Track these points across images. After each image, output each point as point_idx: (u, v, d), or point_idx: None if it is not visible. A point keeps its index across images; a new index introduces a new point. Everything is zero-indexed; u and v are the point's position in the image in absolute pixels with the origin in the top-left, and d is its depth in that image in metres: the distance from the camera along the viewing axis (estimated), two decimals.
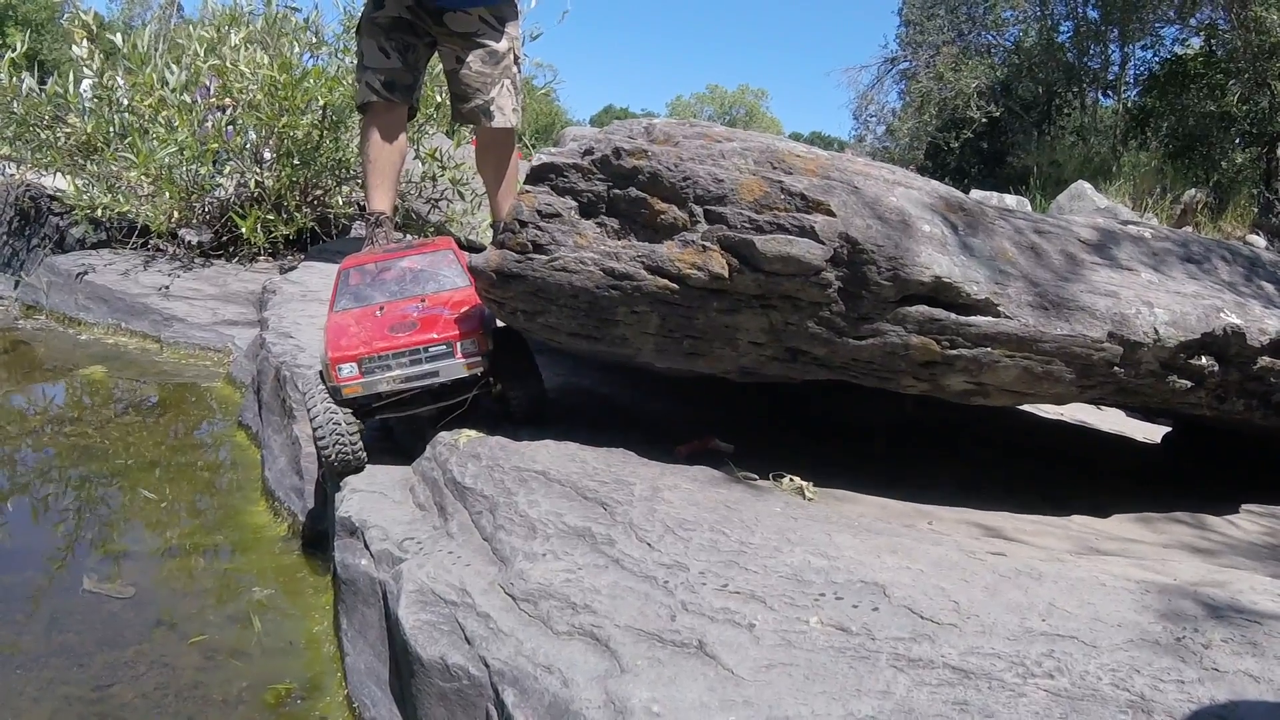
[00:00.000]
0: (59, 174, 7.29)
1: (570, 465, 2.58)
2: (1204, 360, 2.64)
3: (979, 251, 2.43)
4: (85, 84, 7.12)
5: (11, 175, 7.73)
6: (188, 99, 6.84)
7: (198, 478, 4.01)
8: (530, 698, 1.71)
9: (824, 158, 2.48)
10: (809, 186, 2.32)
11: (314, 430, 2.78)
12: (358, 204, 7.42)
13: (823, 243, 2.26)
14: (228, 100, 6.81)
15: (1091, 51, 22.51)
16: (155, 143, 6.58)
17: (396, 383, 2.78)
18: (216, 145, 6.67)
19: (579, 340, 2.71)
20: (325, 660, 2.62)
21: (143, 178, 6.63)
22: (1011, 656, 1.72)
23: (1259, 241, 12.64)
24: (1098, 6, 21.60)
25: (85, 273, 6.62)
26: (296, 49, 7.36)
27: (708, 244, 2.37)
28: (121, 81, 7.04)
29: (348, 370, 2.76)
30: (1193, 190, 16.38)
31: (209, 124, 6.78)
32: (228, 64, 6.84)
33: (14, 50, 6.95)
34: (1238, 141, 19.09)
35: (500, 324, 2.91)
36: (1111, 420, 4.62)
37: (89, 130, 6.95)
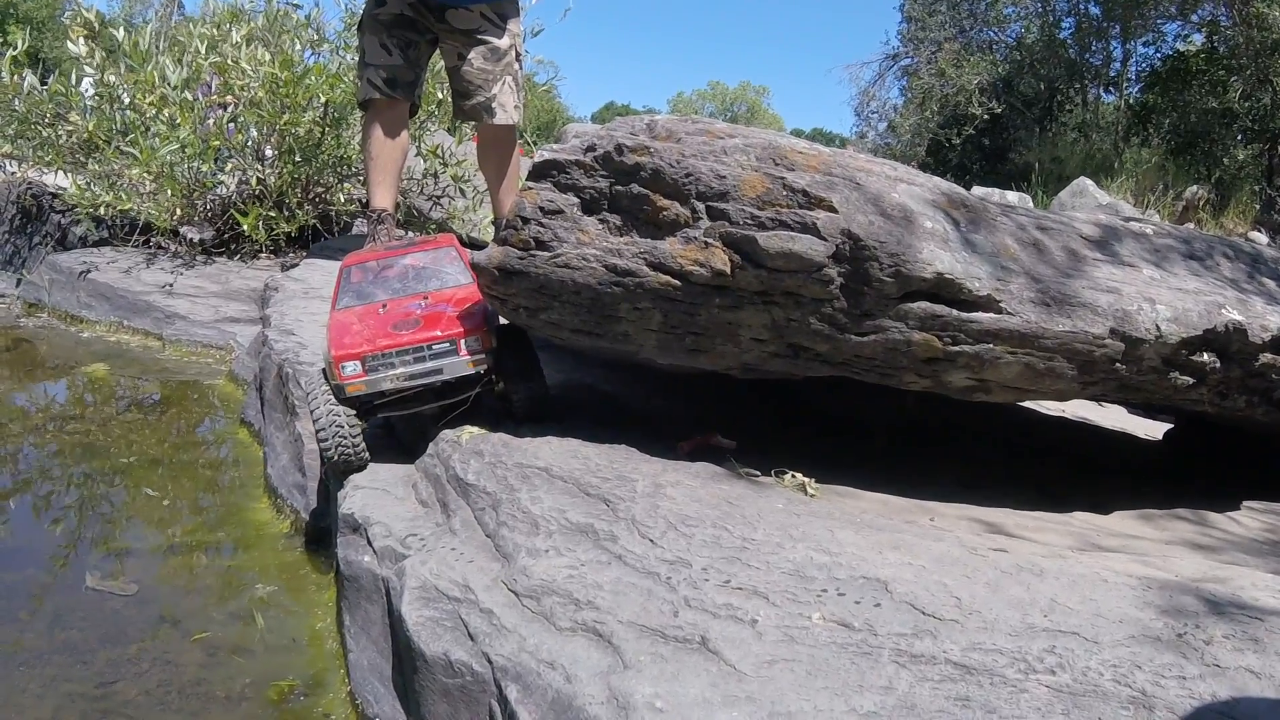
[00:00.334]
0: (61, 172, 7.30)
1: (573, 462, 2.58)
2: (1206, 357, 2.64)
3: (981, 248, 2.43)
4: (86, 82, 7.12)
5: (13, 173, 7.73)
6: (189, 96, 6.83)
7: (200, 475, 4.01)
8: (533, 693, 1.72)
9: (826, 154, 2.48)
10: (811, 183, 2.32)
11: (316, 429, 2.78)
12: (359, 201, 7.42)
13: (825, 239, 2.27)
14: (229, 97, 6.81)
15: (1093, 48, 22.49)
16: (157, 140, 6.57)
17: (400, 380, 2.78)
18: (218, 143, 6.67)
19: (581, 337, 2.71)
20: (328, 657, 2.63)
21: (144, 175, 6.62)
22: (1013, 652, 1.72)
23: (1261, 238, 12.62)
24: (1099, 3, 21.56)
25: (87, 270, 6.62)
26: (298, 46, 7.36)
27: (710, 240, 2.37)
28: (115, 79, 7.03)
29: (351, 368, 2.75)
30: (1194, 187, 16.38)
31: (210, 121, 6.78)
32: (229, 61, 6.84)
33: (15, 48, 6.95)
34: (1240, 138, 19.06)
35: (503, 321, 2.90)
36: (1113, 417, 4.62)
37: (90, 128, 6.95)
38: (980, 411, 3.53)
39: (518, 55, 4.74)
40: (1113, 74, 22.43)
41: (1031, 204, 12.57)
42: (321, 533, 3.22)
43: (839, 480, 2.71)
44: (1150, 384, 2.67)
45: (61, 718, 2.29)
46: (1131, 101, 21.85)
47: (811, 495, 2.55)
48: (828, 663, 1.69)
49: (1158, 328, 2.49)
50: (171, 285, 6.42)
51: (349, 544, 2.56)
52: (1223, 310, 2.61)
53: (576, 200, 2.58)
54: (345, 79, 6.83)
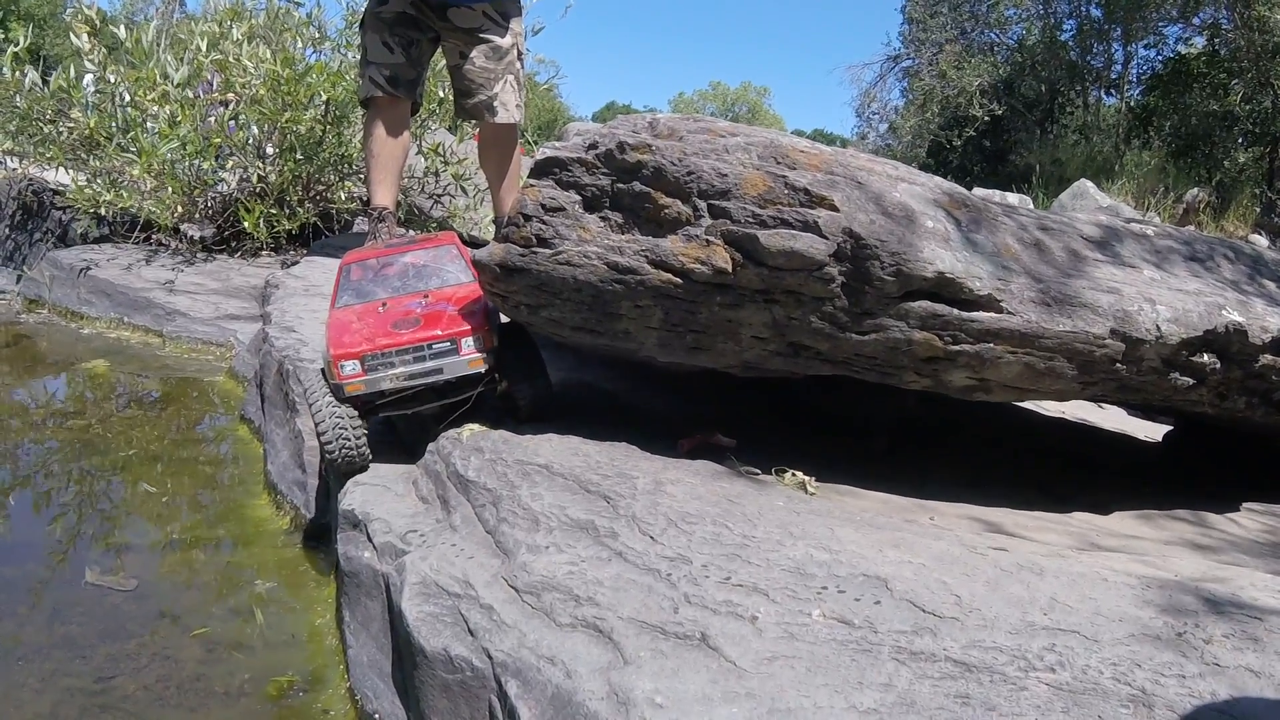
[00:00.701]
0: (61, 169, 7.28)
1: (573, 459, 2.58)
2: (1206, 358, 2.65)
3: (982, 247, 2.43)
4: (88, 79, 7.11)
5: (14, 170, 7.71)
6: (190, 94, 6.83)
7: (200, 472, 4.01)
8: (533, 689, 1.72)
9: (828, 153, 2.48)
10: (813, 182, 2.32)
11: (318, 430, 2.75)
12: (360, 199, 7.42)
13: (826, 238, 2.27)
14: (230, 95, 6.81)
15: (1094, 50, 22.52)
16: (157, 137, 6.57)
17: (399, 380, 2.75)
18: (219, 140, 6.67)
19: (582, 334, 2.71)
20: (327, 653, 2.63)
21: (145, 173, 6.62)
22: (1013, 650, 1.72)
23: (1261, 241, 12.64)
24: (1101, 5, 21.61)
25: (87, 267, 6.61)
26: (299, 44, 7.36)
27: (711, 238, 2.37)
28: (115, 78, 7.02)
29: (350, 368, 2.73)
30: (1195, 190, 16.40)
31: (212, 119, 6.77)
32: (230, 59, 6.84)
33: (17, 45, 6.95)
34: (1240, 141, 19.10)
35: (506, 320, 2.90)
36: (1112, 419, 4.62)
37: (91, 125, 6.95)
38: (980, 412, 3.54)
39: (519, 54, 4.74)
40: (1114, 76, 22.47)
41: (1032, 206, 12.55)
42: (321, 529, 3.22)
43: (839, 479, 2.71)
44: (1150, 385, 2.68)
45: (60, 712, 2.29)
46: (1132, 104, 21.88)
47: (811, 493, 2.55)
48: (828, 659, 1.69)
49: (1158, 328, 2.49)
50: (172, 282, 6.42)
51: (349, 540, 2.56)
52: (1223, 311, 2.61)
53: (578, 198, 2.58)
54: (346, 77, 6.83)
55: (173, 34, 7.68)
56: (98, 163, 7.06)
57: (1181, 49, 20.76)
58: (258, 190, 6.89)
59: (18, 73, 6.98)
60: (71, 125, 7.02)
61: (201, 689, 2.43)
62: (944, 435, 3.54)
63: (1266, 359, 2.70)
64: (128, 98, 7.03)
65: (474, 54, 4.57)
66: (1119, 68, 22.41)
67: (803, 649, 1.72)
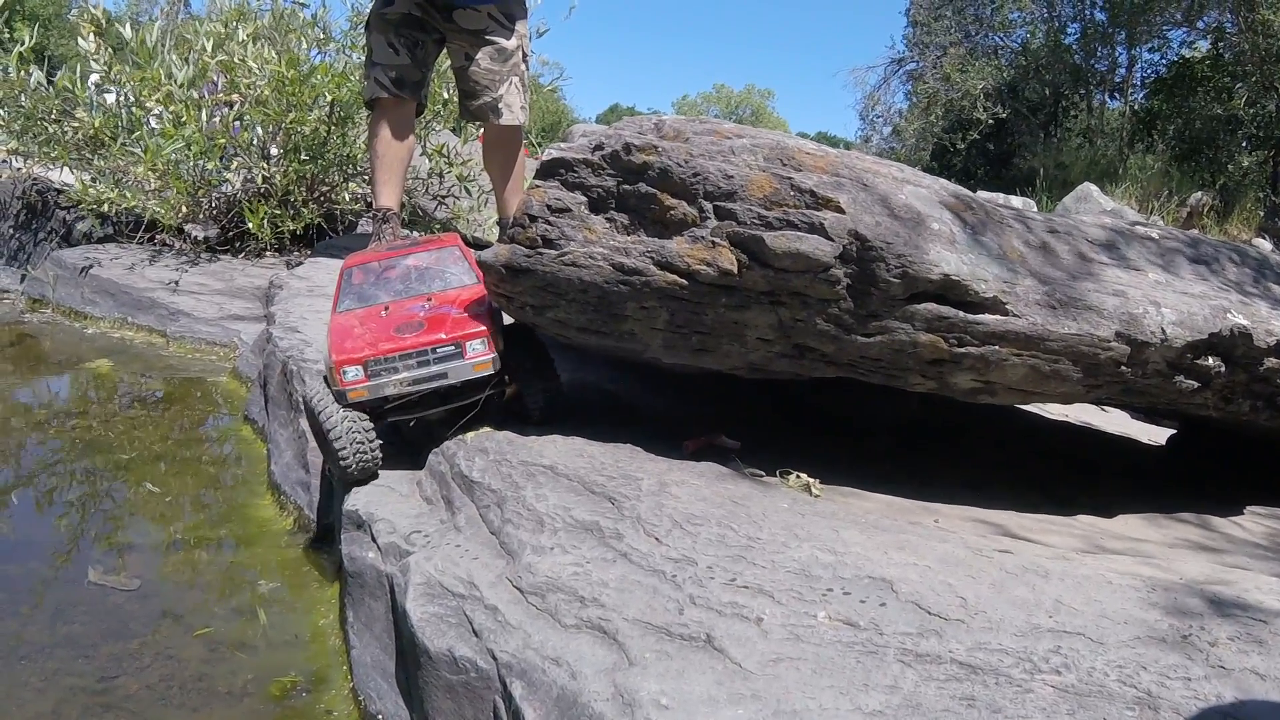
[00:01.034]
0: (66, 168, 7.29)
1: (578, 460, 2.58)
2: (1211, 361, 2.65)
3: (988, 249, 2.43)
4: (92, 78, 7.12)
5: (18, 169, 7.72)
6: (195, 94, 6.84)
7: (203, 472, 4.01)
8: (538, 690, 1.72)
9: (833, 155, 2.48)
10: (819, 183, 2.32)
11: (332, 439, 2.66)
12: (365, 200, 7.42)
13: (832, 239, 2.27)
14: (235, 95, 6.81)
15: (1099, 54, 22.53)
16: (160, 138, 6.58)
17: (404, 385, 2.70)
18: (224, 141, 6.67)
19: (588, 335, 2.71)
20: (331, 653, 2.63)
21: (149, 173, 6.63)
22: (1019, 652, 1.72)
23: (1265, 245, 12.63)
24: (1105, 9, 21.62)
25: (91, 267, 6.62)
26: (304, 45, 7.36)
27: (717, 240, 2.37)
28: (122, 78, 7.03)
29: (353, 373, 2.67)
30: (1199, 193, 16.40)
31: (216, 119, 6.78)
32: (235, 59, 6.85)
33: (22, 44, 6.95)
34: (1244, 145, 19.10)
35: (513, 322, 2.88)
36: (1116, 422, 4.62)
37: (96, 125, 6.95)
38: (983, 414, 3.54)
39: (525, 56, 4.73)
40: (1118, 80, 22.48)
41: (1036, 209, 12.57)
42: (325, 530, 3.22)
43: (843, 481, 2.71)
44: (1155, 388, 2.68)
45: (63, 711, 2.29)
46: (1136, 107, 21.89)
47: (816, 495, 2.55)
48: (833, 661, 1.69)
49: (1163, 331, 2.49)
50: (176, 282, 6.42)
51: (353, 540, 2.55)
52: (1228, 314, 2.61)
53: (584, 199, 2.58)
54: (351, 78, 6.84)
55: (177, 34, 7.69)
56: (102, 162, 7.07)
57: (1186, 52, 20.77)
58: (262, 191, 6.89)
59: (23, 72, 6.99)
60: (76, 125, 7.03)
61: (204, 689, 2.42)
62: (947, 438, 3.54)
63: (1271, 362, 2.70)
64: (132, 98, 7.04)
65: (479, 56, 4.57)
66: (1123, 71, 22.44)
67: (808, 651, 1.72)
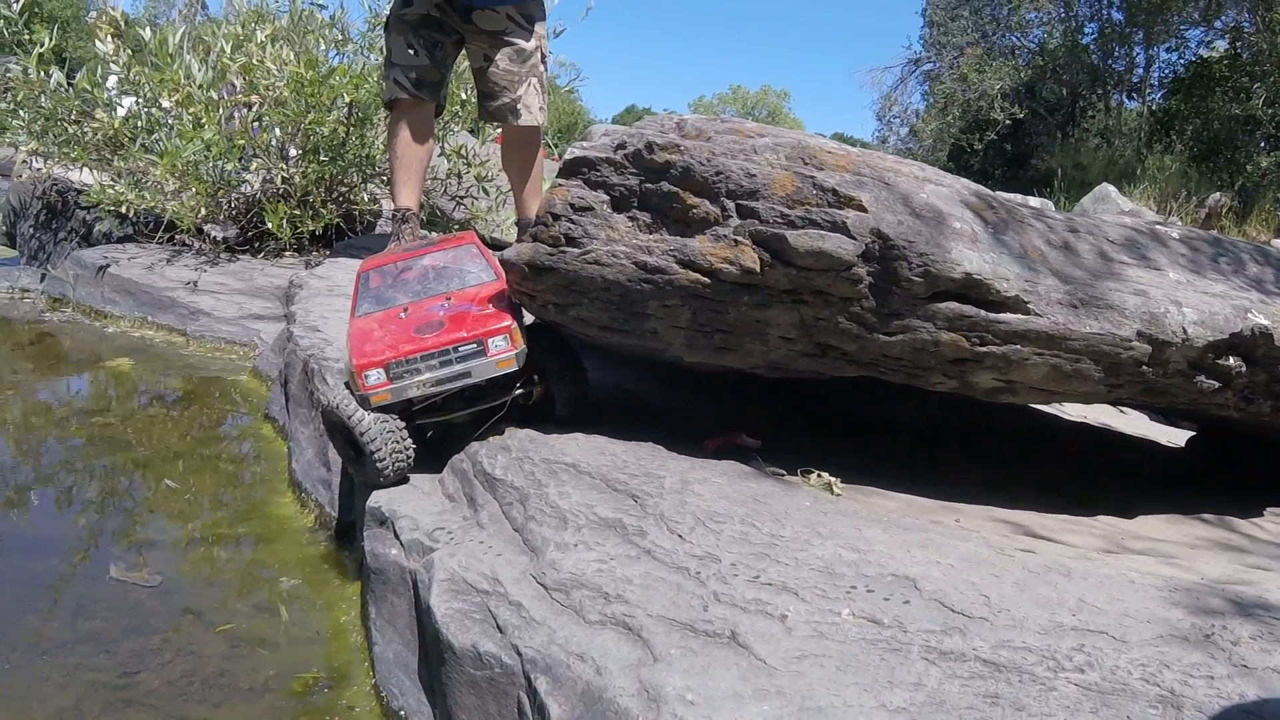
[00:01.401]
0: (86, 169, 7.32)
1: (600, 458, 2.59)
2: (1231, 361, 2.64)
3: (1010, 248, 2.43)
4: (111, 80, 7.15)
5: (39, 170, 7.75)
6: (214, 95, 6.87)
7: (223, 470, 4.03)
8: (563, 685, 1.73)
9: (855, 154, 2.48)
10: (841, 182, 2.33)
11: (365, 442, 2.62)
12: (383, 201, 7.46)
13: (854, 238, 2.27)
14: (254, 97, 6.84)
15: (1116, 53, 22.42)
16: (178, 138, 6.60)
17: (427, 387, 2.67)
18: (243, 141, 6.70)
19: (610, 334, 2.72)
20: (352, 650, 2.64)
21: (168, 174, 6.65)
22: (1042, 650, 1.72)
23: None
24: (1122, 8, 21.54)
25: (111, 266, 6.65)
26: (322, 46, 7.38)
27: (739, 238, 2.38)
28: (134, 78, 7.06)
29: (374, 376, 2.64)
30: (1217, 194, 16.32)
31: (235, 120, 6.81)
32: (254, 61, 6.87)
33: (41, 46, 6.98)
34: (1263, 145, 18.99)
35: (539, 322, 2.87)
36: (1135, 424, 4.61)
37: (116, 126, 6.98)
38: (1003, 416, 3.54)
39: (543, 57, 4.75)
40: (1135, 80, 22.38)
41: (1054, 210, 12.54)
42: (346, 527, 3.23)
43: (864, 480, 2.72)
44: (1176, 388, 2.67)
45: (84, 706, 2.30)
46: (1154, 108, 21.79)
47: (838, 494, 2.56)
48: (857, 658, 1.69)
49: (1184, 330, 2.49)
50: (195, 282, 6.45)
51: (375, 537, 2.57)
52: (1249, 314, 2.60)
53: (606, 197, 2.59)
54: (369, 79, 6.86)
55: (195, 36, 7.72)
56: (121, 163, 7.10)
57: (1203, 52, 20.67)
58: (281, 191, 6.91)
59: (43, 73, 7.02)
60: (96, 125, 7.06)
61: (225, 685, 2.43)
62: (967, 438, 3.54)
63: None
64: (151, 99, 7.06)
65: (498, 57, 4.59)
66: (1140, 71, 22.33)
67: (832, 648, 1.73)
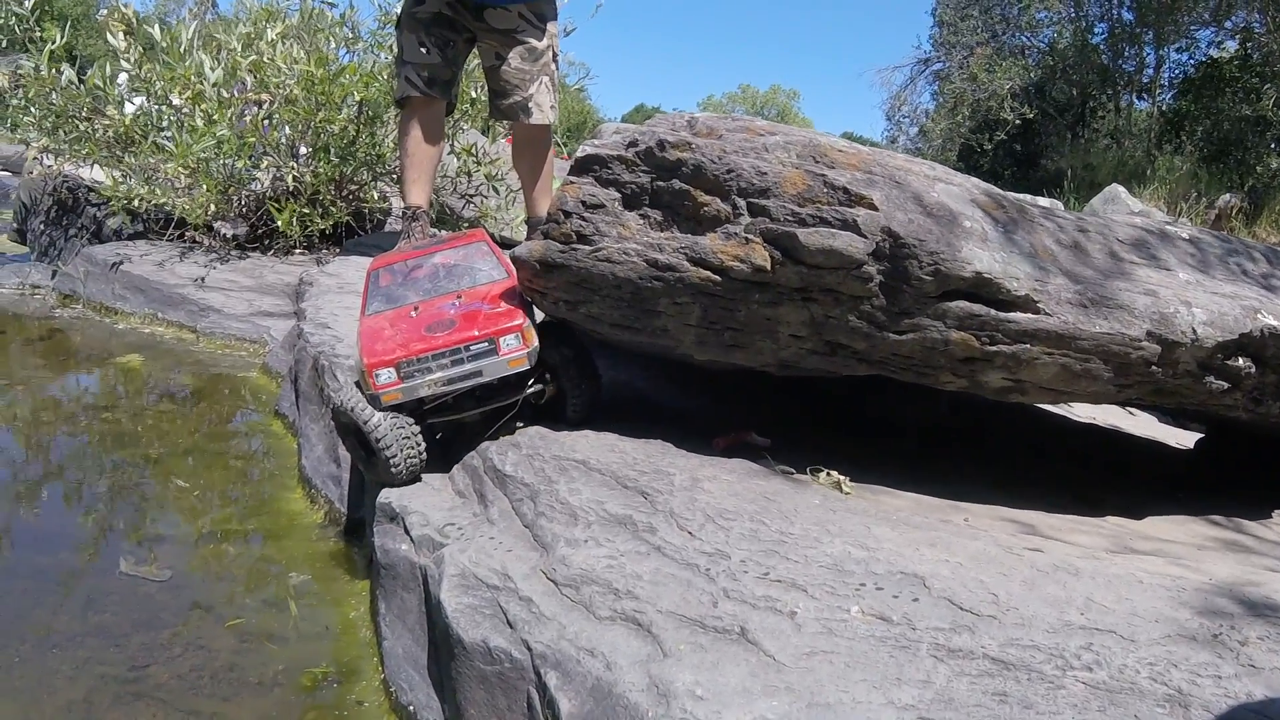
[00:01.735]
0: (96, 165, 7.33)
1: (610, 455, 2.59)
2: (1241, 361, 2.64)
3: (1020, 247, 2.43)
4: (122, 77, 7.16)
5: (50, 167, 7.77)
6: (225, 93, 6.88)
7: (232, 466, 4.04)
8: (573, 680, 1.73)
9: (866, 152, 2.49)
10: (852, 180, 2.33)
11: (377, 443, 2.62)
12: (393, 199, 7.47)
13: (865, 236, 2.28)
14: (265, 95, 6.85)
15: (1126, 54, 22.36)
16: (190, 136, 6.62)
17: (438, 385, 2.66)
18: (254, 139, 6.71)
19: (620, 331, 2.72)
20: (361, 645, 2.65)
21: (179, 171, 6.67)
22: (1050, 649, 1.73)
23: None
24: (1133, 9, 21.47)
25: (122, 263, 6.66)
26: (333, 44, 7.40)
27: (750, 236, 2.38)
28: (145, 75, 7.08)
29: (385, 375, 2.63)
30: (1227, 195, 16.25)
31: (246, 118, 6.82)
32: (265, 59, 6.88)
33: (52, 43, 6.99)
34: (1273, 146, 18.91)
35: (551, 321, 2.87)
36: (1143, 425, 4.61)
37: (127, 123, 7.00)
38: (1010, 417, 3.53)
39: (554, 56, 4.75)
40: (1145, 80, 22.31)
41: (1063, 210, 12.51)
42: (356, 523, 3.24)
43: (873, 479, 2.72)
44: (1185, 388, 2.67)
45: (94, 700, 2.31)
46: (1164, 108, 21.71)
47: (846, 493, 2.56)
48: (866, 655, 1.70)
49: (1194, 331, 2.48)
50: (205, 279, 6.47)
51: (385, 533, 2.57)
52: (1259, 315, 2.60)
53: (618, 195, 2.60)
54: (380, 78, 6.88)
55: (206, 34, 7.73)
56: (133, 160, 7.12)
57: (1213, 53, 20.58)
58: (291, 189, 6.92)
59: (54, 70, 7.04)
60: (107, 123, 7.08)
61: (235, 679, 2.45)
62: (975, 439, 3.54)
63: None
64: (162, 96, 7.08)
65: (510, 55, 4.59)
66: (1150, 72, 22.25)
67: (841, 644, 1.73)
